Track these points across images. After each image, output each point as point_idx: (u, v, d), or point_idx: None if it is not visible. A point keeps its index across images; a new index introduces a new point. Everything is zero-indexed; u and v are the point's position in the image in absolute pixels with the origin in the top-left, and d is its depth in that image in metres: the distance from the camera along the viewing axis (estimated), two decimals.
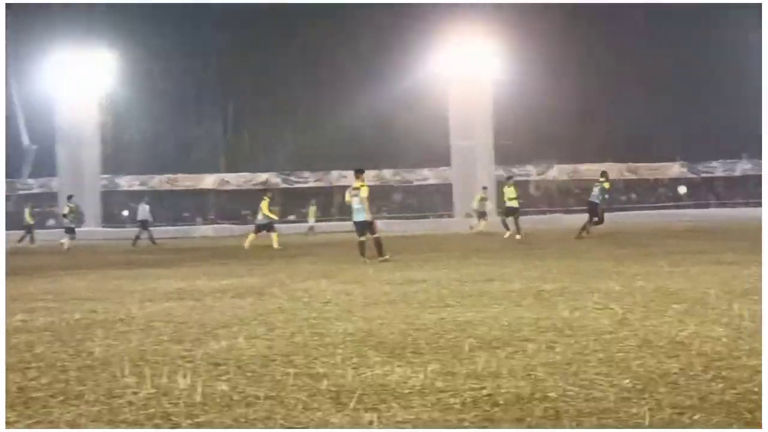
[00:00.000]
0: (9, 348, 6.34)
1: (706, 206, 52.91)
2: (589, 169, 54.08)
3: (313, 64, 54.31)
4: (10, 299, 9.81)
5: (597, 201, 25.04)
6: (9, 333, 7.14)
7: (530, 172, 56.83)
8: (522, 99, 51.07)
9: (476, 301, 8.80)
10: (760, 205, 49.97)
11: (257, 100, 56.49)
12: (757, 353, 5.26)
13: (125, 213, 52.85)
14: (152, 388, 4.77)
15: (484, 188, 37.55)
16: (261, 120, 57.16)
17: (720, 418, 3.82)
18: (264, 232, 25.49)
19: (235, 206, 54.31)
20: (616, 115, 57.25)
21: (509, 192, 27.26)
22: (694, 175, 56.47)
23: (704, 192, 56.77)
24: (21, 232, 35.92)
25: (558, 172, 55.99)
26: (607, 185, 25.48)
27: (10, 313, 8.43)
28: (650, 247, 18.81)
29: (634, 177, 56.84)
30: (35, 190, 54.41)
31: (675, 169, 55.90)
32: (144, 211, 33.19)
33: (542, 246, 21.38)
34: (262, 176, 55.11)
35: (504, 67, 50.80)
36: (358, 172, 17.04)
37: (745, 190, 54.51)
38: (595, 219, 24.98)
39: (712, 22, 56.00)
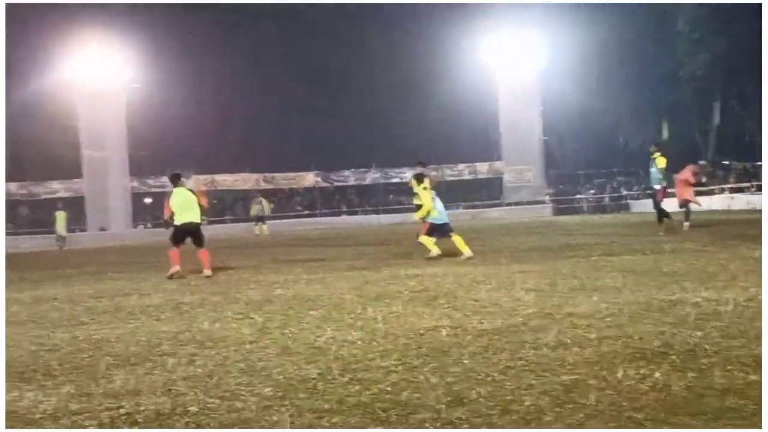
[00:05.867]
0: None
1: (339, 214, 55.36)
2: (226, 180, 54.65)
3: None
4: None
5: (658, 187, 20.04)
6: None
7: (166, 183, 55.94)
8: (157, 108, 50.46)
9: (112, 317, 8.48)
10: (388, 212, 53.45)
11: None
12: (390, 354, 5.51)
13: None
14: None
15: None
16: None
17: (357, 419, 3.94)
18: None
19: None
20: (251, 126, 58.29)
21: (660, 162, 20.24)
22: (328, 184, 58.80)
23: (337, 200, 59.38)
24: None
25: (195, 183, 55.64)
26: (661, 162, 20.06)
27: None
28: (289, 255, 19.23)
29: (270, 186, 58.08)
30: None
31: (310, 178, 57.81)
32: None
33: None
34: None
35: (137, 76, 49.83)
36: None
37: (375, 197, 57.90)
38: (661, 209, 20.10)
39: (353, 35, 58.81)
